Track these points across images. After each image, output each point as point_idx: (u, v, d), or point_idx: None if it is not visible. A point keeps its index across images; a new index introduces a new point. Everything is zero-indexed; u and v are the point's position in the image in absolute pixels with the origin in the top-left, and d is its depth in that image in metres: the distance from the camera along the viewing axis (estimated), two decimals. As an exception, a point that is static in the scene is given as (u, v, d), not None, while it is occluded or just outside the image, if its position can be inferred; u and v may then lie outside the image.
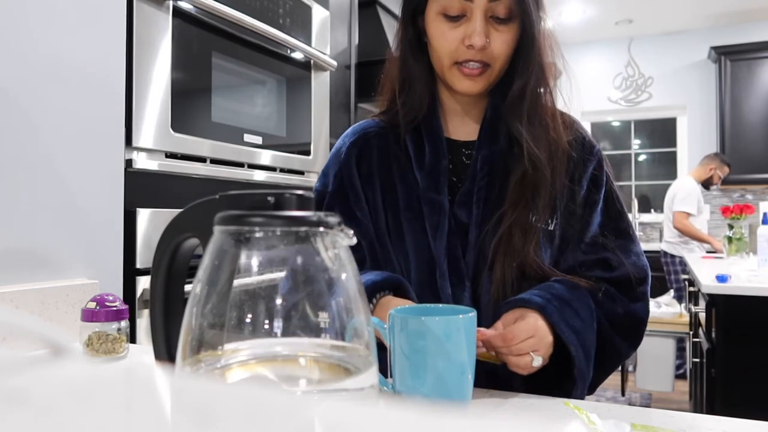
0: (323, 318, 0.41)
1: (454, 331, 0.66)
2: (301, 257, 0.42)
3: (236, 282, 0.41)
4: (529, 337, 0.76)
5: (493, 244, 0.86)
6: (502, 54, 0.87)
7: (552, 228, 0.89)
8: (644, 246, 4.53)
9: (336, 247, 0.42)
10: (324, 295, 0.42)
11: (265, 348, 0.41)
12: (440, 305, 0.76)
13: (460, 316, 0.67)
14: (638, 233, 5.02)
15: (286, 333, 0.40)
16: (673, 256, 4.13)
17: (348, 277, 0.43)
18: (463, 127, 0.95)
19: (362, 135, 0.98)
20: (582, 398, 0.84)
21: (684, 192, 4.11)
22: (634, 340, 0.92)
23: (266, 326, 0.40)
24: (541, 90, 0.90)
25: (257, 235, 0.41)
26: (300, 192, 0.44)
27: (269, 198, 0.43)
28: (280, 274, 0.41)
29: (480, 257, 0.88)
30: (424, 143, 0.93)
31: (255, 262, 0.42)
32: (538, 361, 0.76)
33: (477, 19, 0.84)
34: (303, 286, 0.42)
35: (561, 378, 0.83)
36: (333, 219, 0.42)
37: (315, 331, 0.41)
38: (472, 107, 0.95)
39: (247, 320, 0.40)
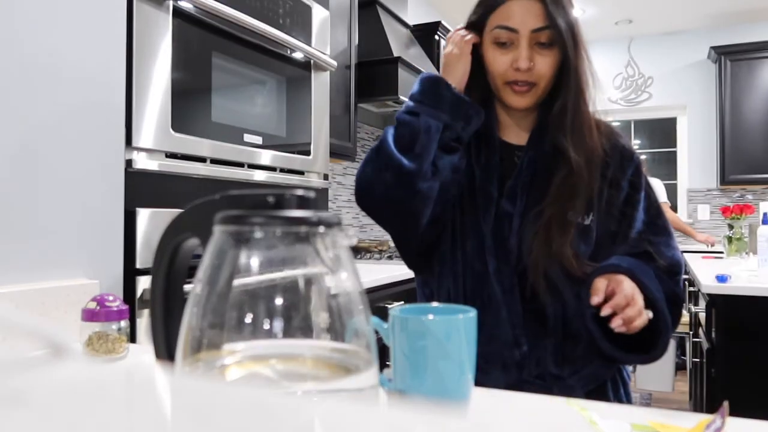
0: (323, 318, 0.41)
1: (454, 331, 0.66)
2: (301, 257, 0.42)
3: (236, 282, 0.41)
4: (635, 293, 0.90)
5: (533, 234, 1.00)
6: (546, 74, 1.02)
7: (588, 223, 1.02)
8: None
9: (336, 247, 0.42)
10: (324, 295, 0.42)
11: (265, 348, 0.41)
12: (440, 305, 0.76)
13: (460, 316, 0.67)
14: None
15: (286, 333, 0.40)
16: None
17: (348, 277, 0.43)
18: (516, 134, 1.11)
19: None
20: (662, 349, 0.98)
21: (658, 185, 4.30)
22: (676, 319, 1.02)
23: (266, 326, 0.40)
24: (580, 106, 1.04)
25: (257, 235, 0.41)
26: (300, 192, 0.44)
27: (269, 198, 0.43)
28: (280, 274, 0.41)
29: (522, 242, 1.02)
30: (482, 145, 1.09)
31: (255, 262, 0.42)
32: (650, 315, 0.91)
33: (522, 47, 1.00)
34: (303, 286, 0.42)
35: (642, 338, 0.95)
36: (333, 219, 0.42)
37: (315, 331, 0.41)
38: (522, 119, 1.11)
39: (247, 320, 0.40)
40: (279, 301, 0.40)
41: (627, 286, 0.91)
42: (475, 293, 1.03)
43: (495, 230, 1.03)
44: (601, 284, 0.92)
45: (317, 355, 0.43)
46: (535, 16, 0.99)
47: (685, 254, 3.73)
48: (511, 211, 1.04)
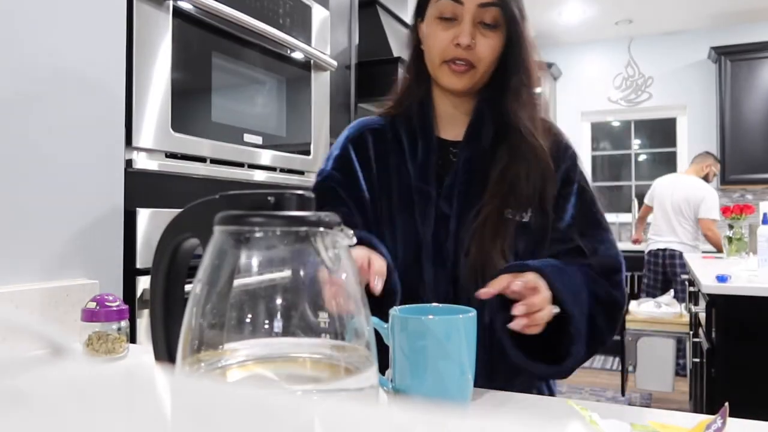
0: (323, 318, 0.41)
1: (454, 331, 0.66)
2: (301, 257, 0.42)
3: (236, 282, 0.41)
4: (538, 284, 0.82)
5: (470, 233, 0.96)
6: (486, 57, 0.98)
7: (527, 220, 0.98)
8: (640, 246, 4.52)
9: (336, 247, 0.42)
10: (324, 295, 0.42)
11: (265, 348, 0.41)
12: (440, 305, 0.76)
13: (460, 316, 0.67)
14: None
15: (286, 333, 0.40)
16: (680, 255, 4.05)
17: (348, 277, 0.43)
18: (452, 129, 1.06)
19: (363, 127, 1.10)
20: (576, 359, 0.88)
21: (714, 199, 3.99)
22: (612, 325, 0.95)
23: (266, 326, 0.40)
24: (528, 93, 1.00)
25: (257, 235, 0.41)
26: (300, 192, 0.44)
27: (269, 198, 0.43)
28: (280, 274, 0.41)
29: (459, 245, 0.97)
30: (418, 140, 1.04)
31: (255, 262, 0.42)
32: (556, 309, 0.83)
33: (466, 22, 0.96)
34: (303, 286, 0.42)
35: (555, 341, 0.88)
36: (333, 219, 0.42)
37: (315, 331, 0.41)
38: (461, 109, 1.05)
39: (247, 320, 0.40)
40: (279, 301, 0.40)
41: (530, 277, 0.82)
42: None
43: (434, 235, 0.97)
44: (503, 280, 0.82)
45: (317, 355, 0.43)
46: None
47: (684, 254, 3.73)
48: (449, 212, 0.98)
